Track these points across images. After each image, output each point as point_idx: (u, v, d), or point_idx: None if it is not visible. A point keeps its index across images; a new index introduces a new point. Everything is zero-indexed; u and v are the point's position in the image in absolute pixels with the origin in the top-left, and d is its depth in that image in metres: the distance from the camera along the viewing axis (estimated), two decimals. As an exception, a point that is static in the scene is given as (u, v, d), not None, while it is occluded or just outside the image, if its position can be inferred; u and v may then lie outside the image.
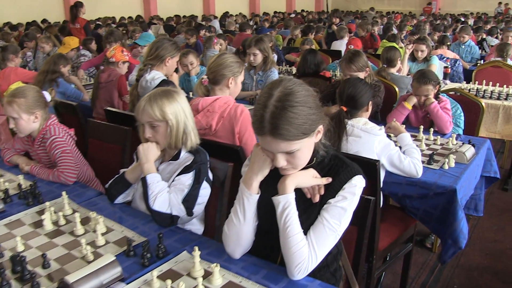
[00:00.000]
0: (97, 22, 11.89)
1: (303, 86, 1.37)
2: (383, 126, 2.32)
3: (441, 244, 2.38)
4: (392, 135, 2.70)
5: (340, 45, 6.53)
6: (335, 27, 8.27)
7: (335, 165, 1.49)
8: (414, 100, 3.16)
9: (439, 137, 2.89)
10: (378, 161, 2.03)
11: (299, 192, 1.47)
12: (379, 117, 3.69)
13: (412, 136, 2.95)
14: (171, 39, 3.28)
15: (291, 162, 1.40)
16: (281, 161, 1.39)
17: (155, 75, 3.17)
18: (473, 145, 2.65)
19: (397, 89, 4.07)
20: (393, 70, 4.29)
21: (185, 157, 2.00)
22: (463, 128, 3.40)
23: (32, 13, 13.72)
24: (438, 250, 3.09)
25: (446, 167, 2.44)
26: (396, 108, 3.22)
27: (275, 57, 6.51)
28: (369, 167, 2.05)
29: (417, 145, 2.75)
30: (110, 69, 3.85)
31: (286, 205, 1.43)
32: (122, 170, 2.12)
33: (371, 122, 2.37)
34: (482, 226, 3.48)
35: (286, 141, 1.32)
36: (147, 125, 1.95)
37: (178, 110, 1.95)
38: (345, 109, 2.35)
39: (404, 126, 3.03)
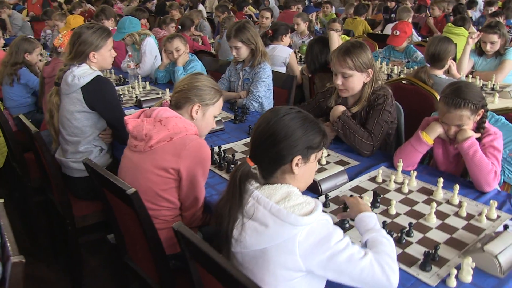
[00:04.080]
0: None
1: None
2: (318, 205, 1.23)
3: None
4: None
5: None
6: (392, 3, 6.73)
7: None
8: (438, 130, 1.98)
9: (465, 202, 1.70)
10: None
11: None
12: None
13: (423, 191, 1.82)
14: (93, 26, 2.40)
15: None
16: None
17: (87, 70, 2.36)
18: (522, 233, 1.46)
19: (438, 98, 2.82)
20: (439, 72, 3.02)
21: None
22: (528, 174, 2.15)
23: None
24: None
25: (453, 284, 1.30)
26: (409, 141, 2.06)
27: (306, 42, 5.39)
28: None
29: (422, 218, 1.64)
30: (56, 61, 3.07)
31: None
32: None
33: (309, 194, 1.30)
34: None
35: None
36: None
37: None
38: (251, 163, 1.32)
39: (414, 173, 1.90)
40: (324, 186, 1.84)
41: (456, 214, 1.67)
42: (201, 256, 1.22)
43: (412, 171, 1.91)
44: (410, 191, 1.84)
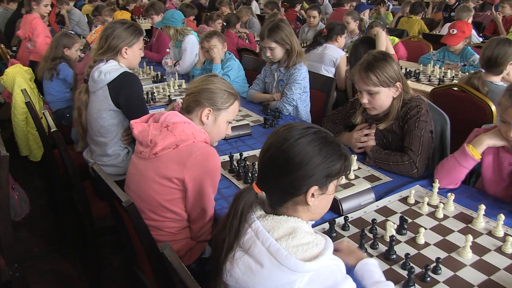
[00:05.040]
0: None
1: None
2: (327, 248, 1.04)
3: None
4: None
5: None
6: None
7: None
8: (485, 142, 1.71)
9: (511, 239, 1.45)
10: None
11: None
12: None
13: (461, 217, 1.58)
14: (126, 22, 2.35)
15: None
16: None
17: (114, 66, 2.32)
18: None
19: (493, 108, 2.53)
20: (496, 79, 2.69)
21: None
22: None
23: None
24: None
25: None
26: (453, 155, 1.80)
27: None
28: None
29: (455, 251, 1.41)
30: (88, 57, 3.05)
31: None
32: None
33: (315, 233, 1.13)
34: None
35: None
36: None
37: None
38: (258, 190, 1.15)
39: (452, 195, 1.66)
40: (345, 206, 1.64)
41: (499, 250, 1.42)
42: (182, 284, 1.08)
43: (449, 193, 1.67)
44: (445, 217, 1.60)
